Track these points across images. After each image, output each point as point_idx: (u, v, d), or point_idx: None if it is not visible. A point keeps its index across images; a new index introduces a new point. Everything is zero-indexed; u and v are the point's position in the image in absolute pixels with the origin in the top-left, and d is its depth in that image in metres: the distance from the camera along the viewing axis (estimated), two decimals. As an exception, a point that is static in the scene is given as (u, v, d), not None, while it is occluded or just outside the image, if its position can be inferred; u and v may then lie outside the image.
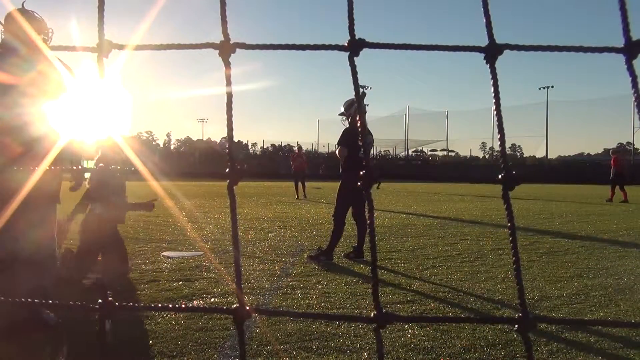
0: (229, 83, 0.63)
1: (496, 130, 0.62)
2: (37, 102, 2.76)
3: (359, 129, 0.84)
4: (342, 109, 5.70)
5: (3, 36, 2.78)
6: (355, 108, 5.50)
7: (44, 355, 2.66)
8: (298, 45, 0.60)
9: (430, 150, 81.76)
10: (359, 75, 0.62)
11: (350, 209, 5.47)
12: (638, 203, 15.56)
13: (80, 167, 3.44)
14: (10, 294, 2.58)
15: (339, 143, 5.56)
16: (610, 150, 18.85)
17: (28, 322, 2.93)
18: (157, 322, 3.13)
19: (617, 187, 16.45)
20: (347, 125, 5.58)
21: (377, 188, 23.38)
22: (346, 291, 3.96)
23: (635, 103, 0.58)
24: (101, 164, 3.91)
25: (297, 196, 16.04)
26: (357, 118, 5.38)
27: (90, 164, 4.11)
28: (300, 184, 16.33)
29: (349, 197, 5.39)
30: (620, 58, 0.60)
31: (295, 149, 20.31)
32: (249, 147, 67.96)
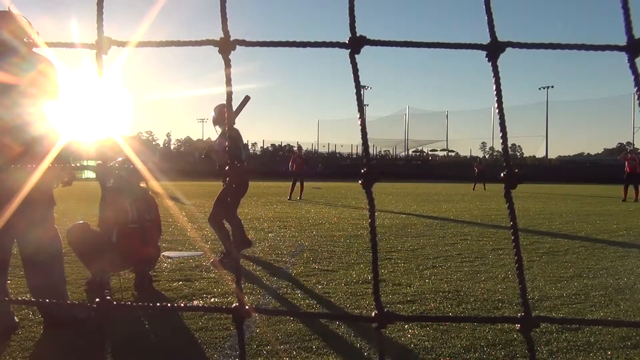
0: (229, 82, 0.62)
1: (497, 129, 0.62)
2: (37, 102, 2.75)
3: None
4: (213, 118, 5.44)
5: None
6: (221, 109, 5.27)
7: (45, 355, 2.66)
8: (299, 42, 0.59)
9: (431, 150, 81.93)
10: (359, 74, 0.62)
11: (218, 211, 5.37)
12: (638, 203, 15.57)
13: (78, 165, 3.44)
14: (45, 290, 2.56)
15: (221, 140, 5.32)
16: (620, 156, 19.03)
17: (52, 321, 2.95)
18: (157, 322, 3.13)
19: (631, 186, 17.05)
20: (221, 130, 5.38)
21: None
22: (346, 291, 3.95)
23: (638, 102, 0.58)
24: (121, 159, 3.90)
25: (290, 197, 15.38)
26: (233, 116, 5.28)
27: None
28: (298, 184, 15.82)
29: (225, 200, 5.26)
30: (621, 58, 0.59)
31: (296, 148, 20.11)
32: (249, 147, 67.98)
